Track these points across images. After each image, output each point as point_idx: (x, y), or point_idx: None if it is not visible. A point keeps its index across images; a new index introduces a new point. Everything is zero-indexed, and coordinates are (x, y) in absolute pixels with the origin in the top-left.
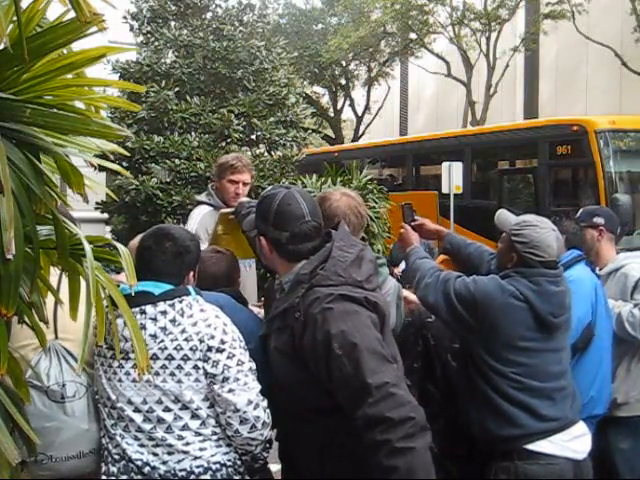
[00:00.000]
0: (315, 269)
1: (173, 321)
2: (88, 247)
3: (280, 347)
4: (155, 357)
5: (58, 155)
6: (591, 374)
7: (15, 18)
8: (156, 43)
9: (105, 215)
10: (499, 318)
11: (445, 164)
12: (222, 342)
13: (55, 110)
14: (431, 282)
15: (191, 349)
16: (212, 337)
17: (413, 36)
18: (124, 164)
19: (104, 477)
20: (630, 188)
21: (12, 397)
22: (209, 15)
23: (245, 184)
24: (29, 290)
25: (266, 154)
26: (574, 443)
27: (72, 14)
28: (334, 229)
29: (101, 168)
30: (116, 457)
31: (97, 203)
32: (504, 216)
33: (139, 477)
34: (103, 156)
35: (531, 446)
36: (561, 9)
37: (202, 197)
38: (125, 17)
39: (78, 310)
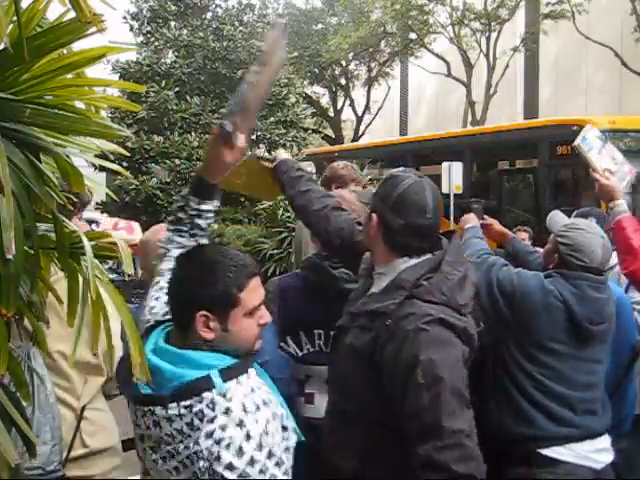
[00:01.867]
0: (420, 278)
1: (190, 425)
2: (88, 245)
3: (358, 346)
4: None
5: (58, 155)
6: (627, 395)
7: (15, 18)
8: (156, 43)
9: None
10: (535, 315)
11: (445, 164)
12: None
13: (55, 110)
14: (477, 262)
15: (199, 458)
16: (221, 456)
17: (413, 36)
18: (124, 164)
19: None
20: (630, 188)
21: (12, 397)
22: (209, 15)
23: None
24: (29, 290)
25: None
26: (596, 454)
27: (72, 14)
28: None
29: (101, 168)
30: None
31: (97, 203)
32: (556, 218)
33: None
34: (103, 156)
35: (549, 452)
36: (561, 9)
37: None
38: (125, 17)
39: (76, 314)
